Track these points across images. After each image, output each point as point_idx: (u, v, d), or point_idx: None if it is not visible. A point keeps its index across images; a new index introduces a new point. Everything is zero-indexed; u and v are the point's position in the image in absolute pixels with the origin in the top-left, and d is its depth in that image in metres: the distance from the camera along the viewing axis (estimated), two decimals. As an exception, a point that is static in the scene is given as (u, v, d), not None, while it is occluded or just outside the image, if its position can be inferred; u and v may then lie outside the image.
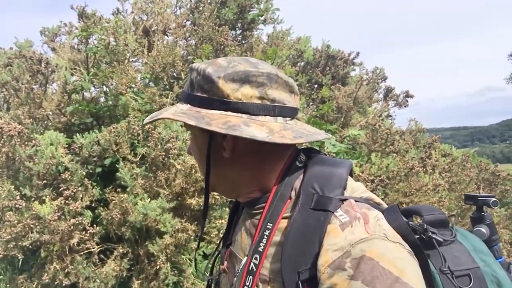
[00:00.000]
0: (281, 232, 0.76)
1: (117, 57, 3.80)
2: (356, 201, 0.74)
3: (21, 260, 3.10)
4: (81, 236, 2.88)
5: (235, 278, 0.83)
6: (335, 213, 0.71)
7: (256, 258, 0.76)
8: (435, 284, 0.71)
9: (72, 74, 3.89)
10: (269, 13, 4.20)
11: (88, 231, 2.90)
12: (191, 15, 4.18)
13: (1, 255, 2.76)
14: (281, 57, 4.03)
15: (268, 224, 0.77)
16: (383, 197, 3.22)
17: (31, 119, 3.40)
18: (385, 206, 0.79)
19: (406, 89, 5.63)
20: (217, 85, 0.78)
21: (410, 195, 3.27)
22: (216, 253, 0.99)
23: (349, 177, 0.80)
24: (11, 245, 2.75)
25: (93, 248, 2.94)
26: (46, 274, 2.96)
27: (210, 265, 0.99)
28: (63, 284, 2.89)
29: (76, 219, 2.81)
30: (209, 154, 0.83)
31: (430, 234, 0.75)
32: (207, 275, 0.98)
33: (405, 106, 5.39)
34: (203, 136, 0.83)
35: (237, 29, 4.31)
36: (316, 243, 0.69)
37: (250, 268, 0.77)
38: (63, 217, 2.86)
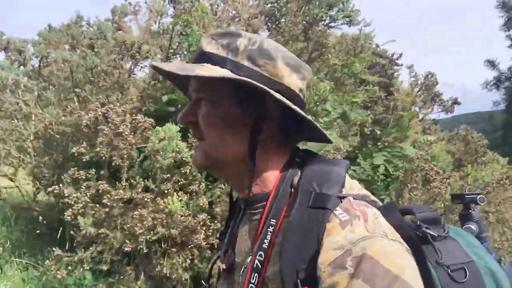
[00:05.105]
0: (281, 232, 0.74)
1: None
2: (354, 198, 0.73)
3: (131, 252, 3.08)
4: (205, 232, 2.89)
5: (240, 278, 0.81)
6: (334, 211, 0.70)
7: (260, 255, 0.74)
8: (432, 280, 0.70)
9: (162, 61, 3.79)
10: (353, 15, 4.23)
11: (211, 227, 2.92)
12: (278, 13, 4.16)
13: (130, 248, 2.74)
14: (361, 67, 4.08)
15: (271, 220, 0.75)
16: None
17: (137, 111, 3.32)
18: (380, 204, 0.79)
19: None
20: (275, 63, 0.76)
21: (498, 205, 3.48)
22: (213, 260, 0.96)
23: (346, 174, 0.79)
24: (142, 239, 2.73)
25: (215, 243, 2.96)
26: (159, 267, 2.96)
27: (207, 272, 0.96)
28: (183, 278, 2.92)
29: (204, 214, 2.82)
30: (259, 130, 0.78)
31: (424, 230, 0.75)
32: (204, 283, 0.96)
33: (451, 112, 5.61)
34: (239, 110, 0.77)
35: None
36: (315, 241, 0.68)
37: (255, 265, 0.74)
38: (188, 212, 2.86)
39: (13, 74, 4.15)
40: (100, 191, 2.68)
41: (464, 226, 0.98)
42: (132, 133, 2.72)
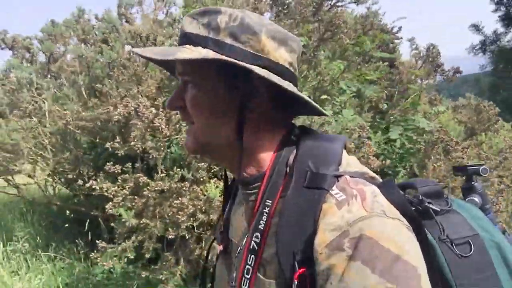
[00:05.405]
0: (276, 212, 0.73)
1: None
2: (351, 176, 0.71)
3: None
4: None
5: (236, 260, 0.81)
6: (330, 191, 0.68)
7: (257, 237, 0.73)
8: (435, 255, 0.70)
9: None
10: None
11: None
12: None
13: (173, 236, 2.85)
14: (372, 44, 4.15)
15: (267, 201, 0.74)
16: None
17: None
18: (380, 180, 0.77)
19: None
20: (259, 38, 0.73)
21: (510, 170, 3.66)
22: (211, 241, 0.96)
23: (343, 151, 0.77)
24: (184, 226, 2.84)
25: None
26: (198, 250, 3.09)
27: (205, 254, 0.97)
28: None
29: (240, 200, 2.93)
30: (246, 108, 0.76)
31: (426, 204, 0.74)
32: (203, 265, 0.96)
33: (451, 81, 5.73)
34: (224, 90, 0.76)
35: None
36: (311, 222, 0.67)
37: (251, 247, 0.73)
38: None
39: (25, 72, 4.15)
40: (140, 184, 2.76)
41: (467, 199, 0.96)
42: (167, 126, 2.79)
